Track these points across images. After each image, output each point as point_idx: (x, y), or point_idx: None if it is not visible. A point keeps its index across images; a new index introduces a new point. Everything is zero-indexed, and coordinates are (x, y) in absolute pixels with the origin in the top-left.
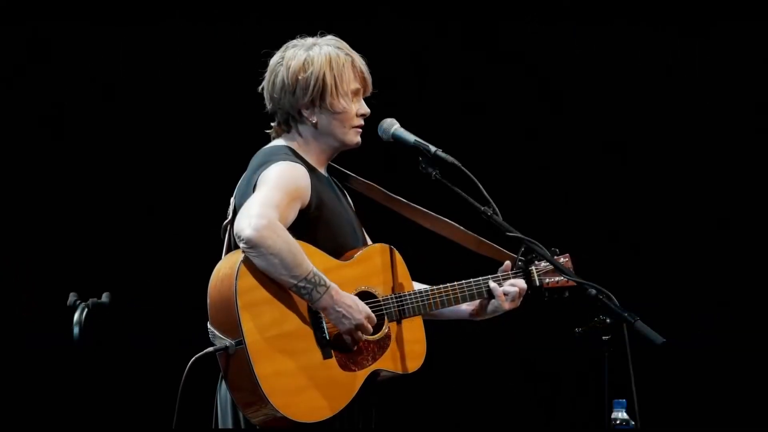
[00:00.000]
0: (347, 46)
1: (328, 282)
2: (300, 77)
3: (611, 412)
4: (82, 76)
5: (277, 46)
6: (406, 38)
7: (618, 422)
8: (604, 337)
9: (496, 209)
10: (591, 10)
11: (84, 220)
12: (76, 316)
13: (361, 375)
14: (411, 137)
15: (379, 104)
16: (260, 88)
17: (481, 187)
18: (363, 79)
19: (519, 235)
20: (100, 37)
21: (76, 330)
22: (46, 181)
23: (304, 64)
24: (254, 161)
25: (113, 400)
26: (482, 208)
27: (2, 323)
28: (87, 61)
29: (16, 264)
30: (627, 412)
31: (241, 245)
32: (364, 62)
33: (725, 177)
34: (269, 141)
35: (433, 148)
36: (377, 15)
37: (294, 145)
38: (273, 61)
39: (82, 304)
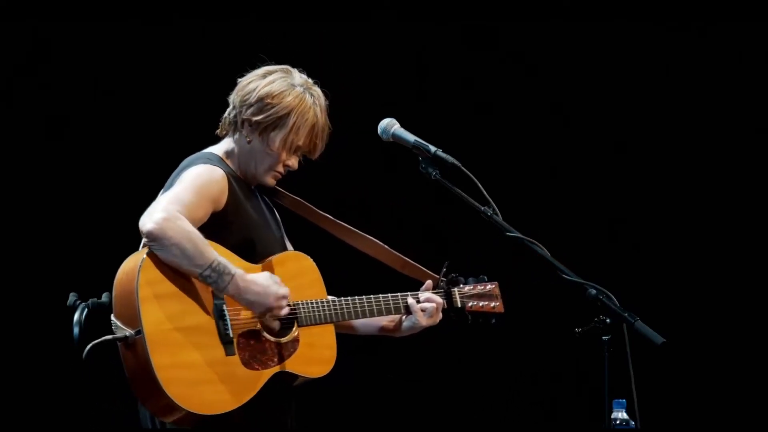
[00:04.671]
0: (324, 106)
1: (234, 269)
2: (267, 100)
3: (611, 412)
4: (82, 76)
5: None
6: (406, 38)
7: (618, 422)
8: (604, 337)
9: (496, 209)
10: (591, 9)
11: (84, 220)
12: (76, 316)
13: (265, 374)
14: (411, 137)
15: (379, 104)
16: (238, 79)
17: (481, 187)
18: (313, 145)
19: (519, 235)
20: (100, 37)
21: (76, 330)
22: (46, 181)
23: (279, 94)
24: (181, 165)
25: (112, 400)
26: (482, 209)
27: (2, 323)
28: (87, 61)
29: (16, 264)
30: (627, 412)
31: (144, 240)
32: (327, 131)
33: (725, 177)
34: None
35: (433, 148)
36: (378, 15)
37: (226, 153)
38: (263, 69)
39: (82, 304)
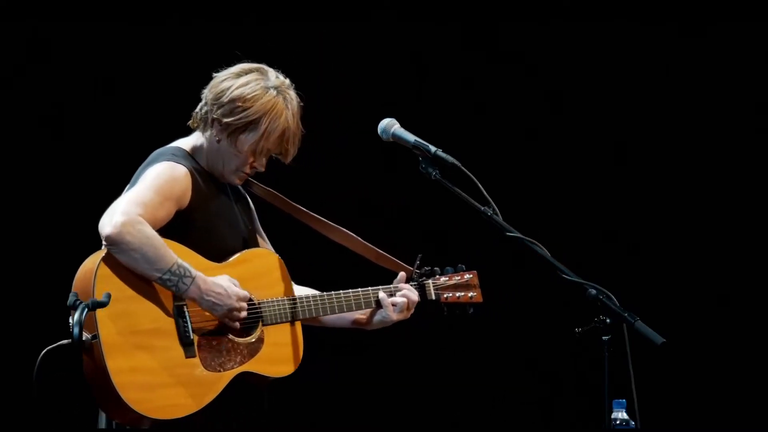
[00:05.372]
0: (297, 110)
1: (194, 272)
2: (238, 103)
3: (611, 412)
4: (81, 76)
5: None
6: (406, 38)
7: (618, 422)
8: (604, 337)
9: (496, 209)
10: (591, 9)
11: (84, 220)
12: (76, 316)
13: (227, 376)
14: (411, 137)
15: (379, 104)
16: (213, 73)
17: (481, 187)
18: (284, 149)
19: (519, 235)
20: (100, 37)
21: (76, 330)
22: (46, 180)
23: (252, 97)
24: (147, 159)
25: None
26: (482, 208)
27: (3, 323)
28: (87, 61)
29: (16, 263)
30: (627, 412)
31: (103, 243)
32: (299, 135)
33: (725, 177)
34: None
35: (433, 148)
36: (378, 15)
37: (194, 148)
38: (239, 67)
39: (82, 304)
